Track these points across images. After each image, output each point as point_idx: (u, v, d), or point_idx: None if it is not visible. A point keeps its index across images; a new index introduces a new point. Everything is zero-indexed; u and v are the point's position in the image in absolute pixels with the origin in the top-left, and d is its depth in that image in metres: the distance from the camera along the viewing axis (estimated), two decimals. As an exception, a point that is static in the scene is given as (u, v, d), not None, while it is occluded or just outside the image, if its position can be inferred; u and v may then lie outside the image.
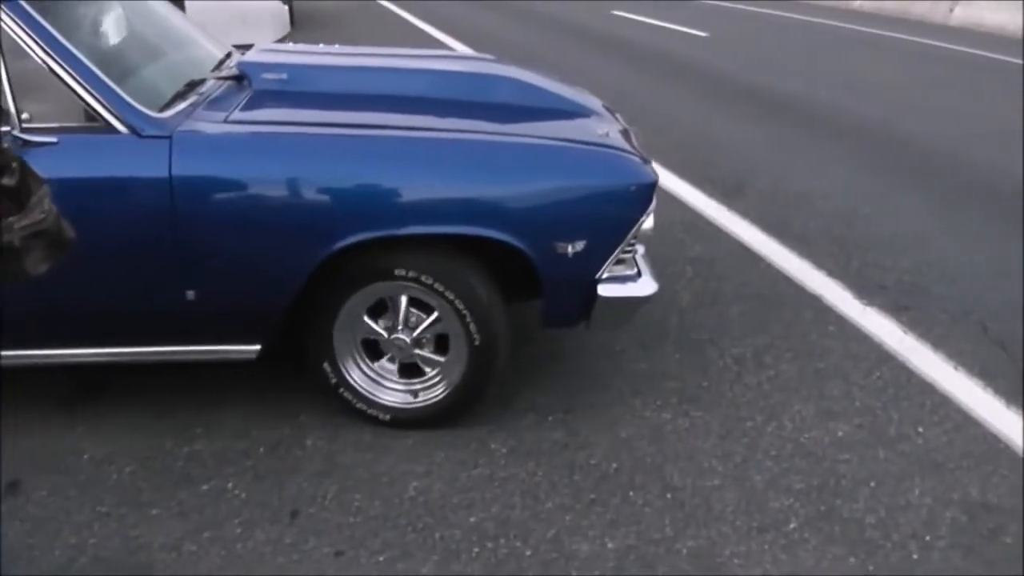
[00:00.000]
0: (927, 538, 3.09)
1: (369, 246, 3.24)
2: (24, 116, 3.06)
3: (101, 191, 3.13)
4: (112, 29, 3.80)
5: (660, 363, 4.19)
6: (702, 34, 16.85)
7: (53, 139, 3.08)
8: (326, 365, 3.52)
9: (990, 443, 3.63)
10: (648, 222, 3.47)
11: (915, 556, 3.01)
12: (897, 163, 7.89)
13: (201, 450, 3.48)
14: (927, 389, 4.03)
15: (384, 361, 3.60)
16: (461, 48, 13.58)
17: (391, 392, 3.61)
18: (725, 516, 3.18)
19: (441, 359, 3.53)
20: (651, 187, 3.44)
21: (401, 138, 3.45)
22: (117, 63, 3.45)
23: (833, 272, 5.29)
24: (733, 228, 5.95)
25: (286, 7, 13.08)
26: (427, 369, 3.58)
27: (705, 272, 5.26)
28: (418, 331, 3.49)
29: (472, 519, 3.13)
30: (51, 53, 3.07)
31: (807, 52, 15.04)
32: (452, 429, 3.60)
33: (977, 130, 9.20)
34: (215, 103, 3.53)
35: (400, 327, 3.48)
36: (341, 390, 3.56)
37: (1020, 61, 14.25)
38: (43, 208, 1.89)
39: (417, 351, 3.54)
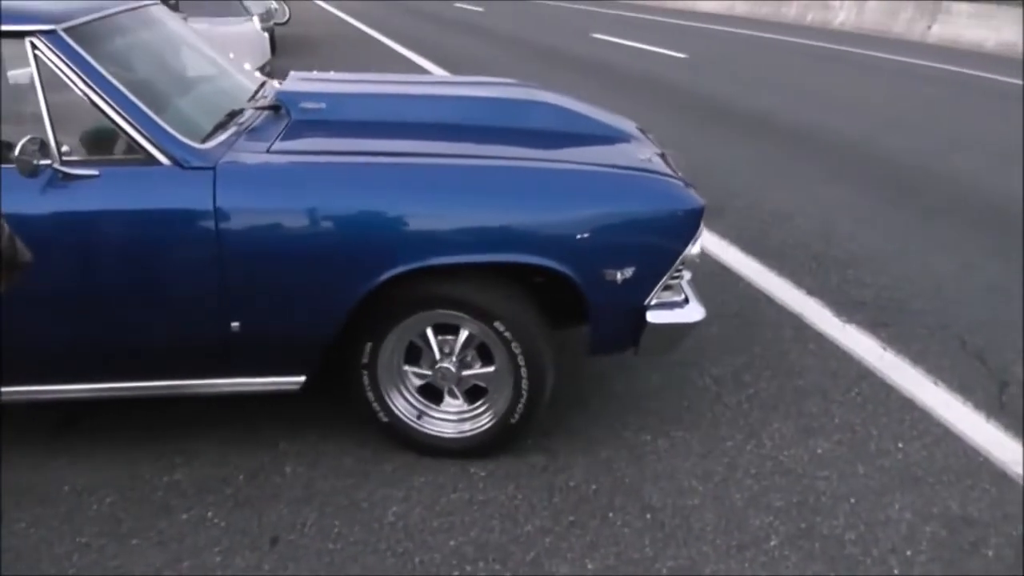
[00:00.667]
0: (907, 553, 3.10)
1: (416, 276, 3.21)
2: (64, 149, 3.05)
3: (144, 223, 3.09)
4: (148, 60, 3.81)
5: (639, 384, 4.20)
6: (681, 55, 16.96)
7: (94, 172, 3.07)
8: (375, 404, 3.51)
9: (970, 457, 3.65)
10: (695, 248, 3.43)
11: (896, 571, 3.02)
12: (876, 181, 7.94)
13: (180, 479, 3.46)
14: (906, 404, 4.05)
15: (448, 398, 3.58)
16: (441, 72, 13.64)
17: (438, 423, 3.59)
18: (705, 535, 3.18)
19: (491, 369, 3.48)
20: (699, 212, 3.41)
21: (450, 166, 3.41)
22: (155, 95, 3.44)
23: (812, 290, 5.32)
24: (712, 248, 5.96)
25: (266, 34, 13.12)
26: (484, 384, 3.54)
27: (685, 292, 5.24)
28: (456, 352, 3.46)
29: (451, 543, 3.12)
30: (93, 86, 3.07)
31: (787, 71, 15.15)
32: (429, 455, 3.59)
33: (955, 147, 9.29)
34: (255, 133, 3.51)
35: (439, 356, 3.47)
36: (386, 422, 3.55)
37: (998, 77, 14.38)
38: None
39: (466, 372, 3.51)
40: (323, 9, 29.56)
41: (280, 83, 4.38)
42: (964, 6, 20.69)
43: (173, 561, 3.03)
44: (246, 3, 12.57)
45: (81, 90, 3.06)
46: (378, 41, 19.76)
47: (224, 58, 4.41)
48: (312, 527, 3.20)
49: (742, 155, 8.88)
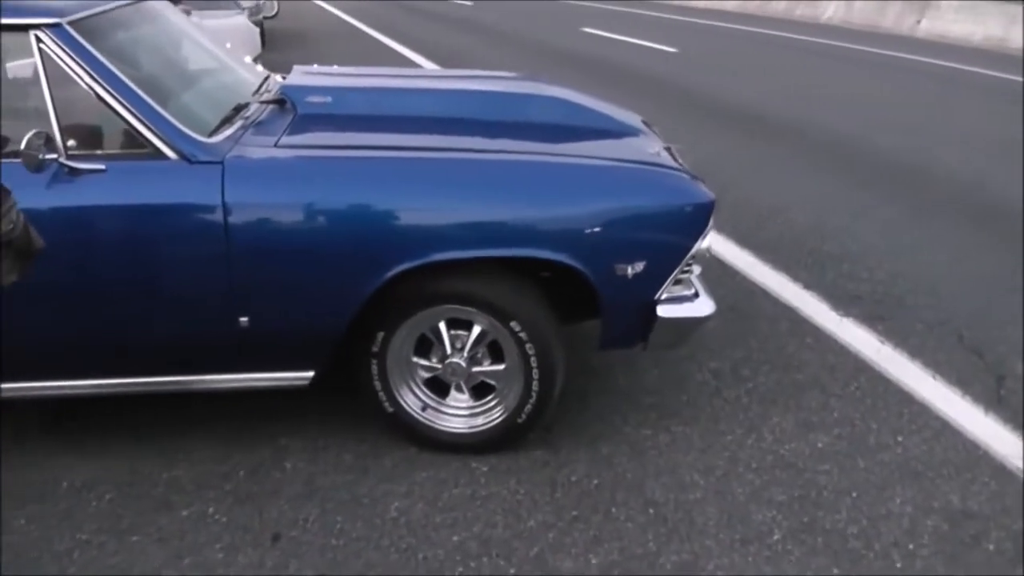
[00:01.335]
0: (910, 547, 3.11)
1: (426, 271, 3.19)
2: (70, 143, 3.03)
3: (151, 218, 3.07)
4: (153, 55, 3.79)
5: (638, 379, 4.20)
6: (672, 50, 16.96)
7: (101, 166, 3.05)
8: (381, 393, 3.49)
9: (969, 450, 3.66)
10: (705, 242, 3.43)
11: (898, 565, 3.02)
12: (869, 175, 7.95)
13: (180, 475, 3.45)
14: (905, 398, 4.05)
15: (454, 392, 3.57)
16: (431, 66, 13.61)
17: (451, 419, 3.58)
18: (708, 530, 3.18)
19: (501, 367, 3.47)
20: (709, 207, 3.41)
21: (460, 161, 3.39)
22: (161, 89, 3.42)
23: (808, 284, 5.32)
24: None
25: (257, 28, 13.08)
26: (492, 382, 3.53)
27: (681, 286, 5.25)
28: (468, 348, 3.44)
29: (455, 538, 3.12)
30: (99, 80, 3.05)
31: (778, 66, 15.16)
32: (431, 449, 3.58)
33: (946, 140, 9.31)
34: (261, 128, 3.49)
35: (450, 351, 3.45)
36: (396, 418, 3.55)
37: (987, 72, 14.42)
38: (10, 219, 1.88)
39: (476, 368, 3.49)
40: (312, 5, 29.47)
41: (284, 77, 4.35)
42: (951, 2, 20.74)
43: (174, 558, 3.02)
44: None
45: (87, 84, 3.04)
46: (367, 35, 19.74)
47: (226, 52, 4.39)
48: (314, 523, 3.19)
49: (735, 149, 8.89)
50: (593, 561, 3.02)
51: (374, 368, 3.42)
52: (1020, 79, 13.91)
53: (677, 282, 3.42)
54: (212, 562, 3.00)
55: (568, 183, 3.34)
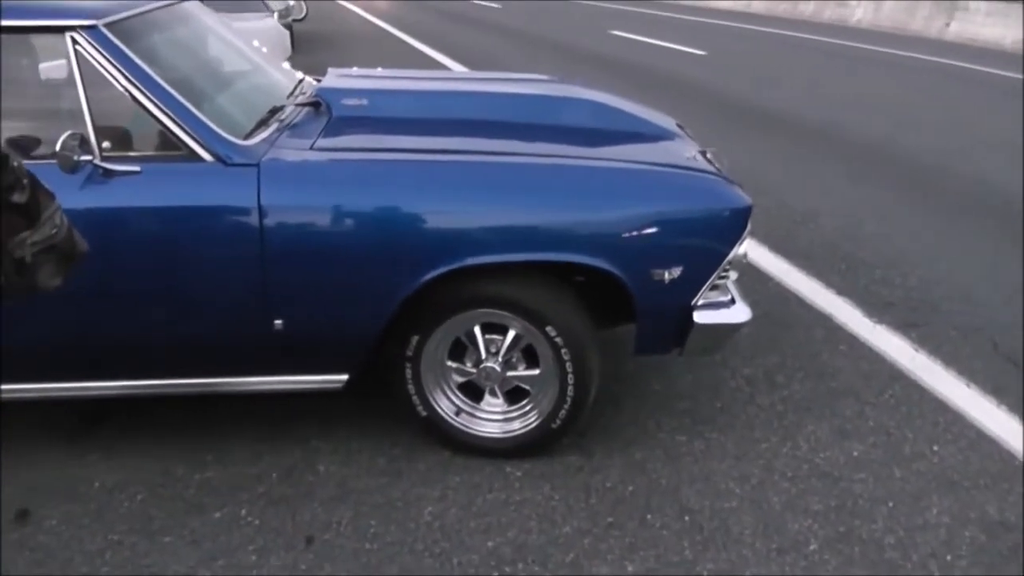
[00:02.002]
0: (947, 558, 3.07)
1: (461, 274, 3.18)
2: (105, 145, 3.04)
3: (187, 220, 3.08)
4: (188, 56, 3.81)
5: (672, 384, 4.17)
6: (700, 53, 16.93)
7: (135, 168, 3.05)
8: (414, 397, 3.48)
9: (1006, 460, 3.61)
10: (742, 247, 3.41)
11: (936, 576, 2.99)
12: (900, 179, 7.90)
13: (212, 477, 3.45)
14: (940, 407, 4.01)
15: (488, 397, 3.56)
16: (460, 69, 13.62)
17: (485, 423, 3.57)
18: (744, 538, 3.15)
19: (536, 372, 3.45)
20: (746, 212, 3.37)
21: (496, 164, 3.38)
22: (196, 91, 3.43)
23: (841, 290, 5.28)
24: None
25: (287, 30, 13.12)
26: (526, 386, 3.52)
27: (713, 291, 5.22)
28: (502, 352, 3.44)
29: (489, 544, 3.11)
30: (135, 82, 3.06)
31: (806, 69, 15.10)
32: (464, 453, 3.57)
33: (978, 144, 9.24)
34: (296, 130, 3.50)
35: (484, 355, 3.45)
36: (430, 421, 3.54)
37: (1018, 76, 14.29)
38: (54, 223, 1.88)
39: (510, 373, 3.49)
40: (337, 6, 29.56)
41: (318, 80, 4.35)
42: (981, 4, 20.59)
43: (207, 559, 3.02)
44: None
45: (122, 86, 3.05)
46: (394, 36, 19.79)
47: (260, 54, 4.40)
48: (347, 526, 3.19)
49: (766, 153, 8.85)
50: (629, 568, 3.00)
51: (408, 372, 3.41)
52: (1053, 84, 13.80)
53: (713, 288, 3.39)
54: (245, 564, 3.00)
55: (604, 187, 3.32)
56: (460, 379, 3.52)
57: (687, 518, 3.25)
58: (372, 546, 3.09)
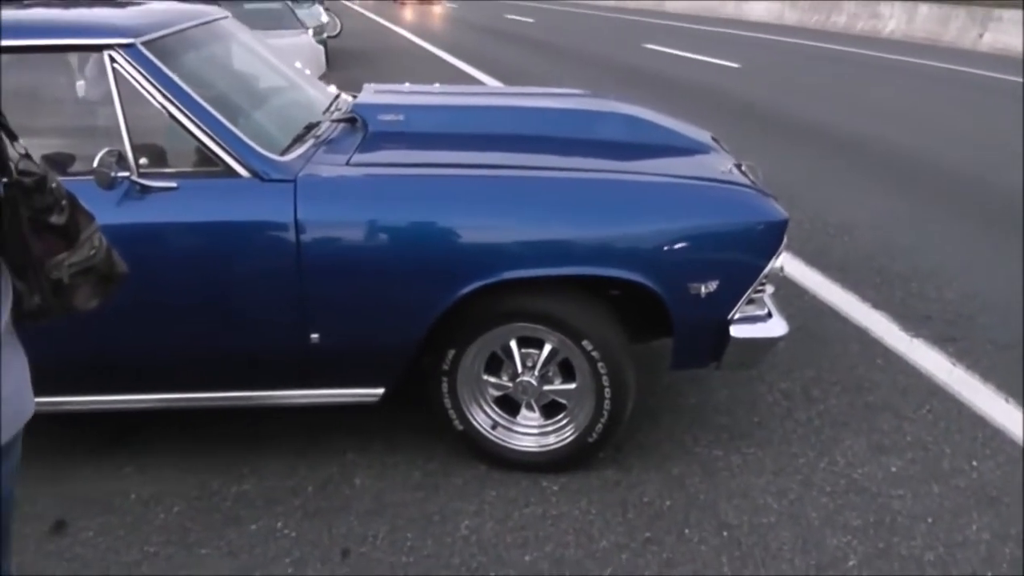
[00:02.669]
0: (988, 575, 3.03)
1: (497, 289, 3.19)
2: (142, 161, 3.07)
3: (223, 235, 3.11)
4: (224, 74, 3.84)
5: (709, 399, 4.16)
6: (734, 65, 16.89)
7: (172, 184, 3.08)
8: (451, 411, 3.49)
9: (1046, 477, 3.57)
10: (778, 261, 3.40)
11: (977, 594, 2.96)
12: (935, 191, 7.85)
13: (249, 489, 3.47)
14: (978, 422, 3.97)
15: (525, 411, 3.55)
16: (493, 83, 13.65)
17: (521, 438, 3.56)
18: (783, 554, 3.13)
19: (572, 386, 3.45)
20: (782, 225, 3.36)
21: (533, 179, 3.37)
22: (233, 107, 3.46)
23: (877, 303, 5.25)
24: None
25: (321, 47, 13.18)
26: (563, 400, 3.51)
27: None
28: (539, 367, 3.43)
29: (527, 558, 3.10)
30: (172, 99, 3.09)
31: (840, 81, 15.03)
32: (501, 467, 3.57)
33: (1013, 157, 9.14)
34: (332, 146, 3.52)
35: (521, 369, 3.45)
36: (466, 435, 3.54)
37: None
38: (92, 244, 1.89)
39: (547, 387, 3.48)
40: (371, 20, 29.70)
41: (354, 96, 4.38)
42: (1016, 14, 20.42)
43: (243, 571, 3.04)
44: (300, 15, 12.66)
45: (160, 103, 3.08)
46: (430, 53, 19.85)
47: (295, 71, 4.43)
48: (384, 540, 3.19)
49: (801, 166, 8.81)
50: (666, 584, 2.99)
51: (444, 386, 3.42)
52: (1090, 95, 13.67)
53: (750, 302, 3.38)
54: (283, 577, 3.01)
55: (640, 201, 3.31)
56: (496, 393, 3.52)
57: (725, 533, 3.23)
58: (408, 559, 3.09)
